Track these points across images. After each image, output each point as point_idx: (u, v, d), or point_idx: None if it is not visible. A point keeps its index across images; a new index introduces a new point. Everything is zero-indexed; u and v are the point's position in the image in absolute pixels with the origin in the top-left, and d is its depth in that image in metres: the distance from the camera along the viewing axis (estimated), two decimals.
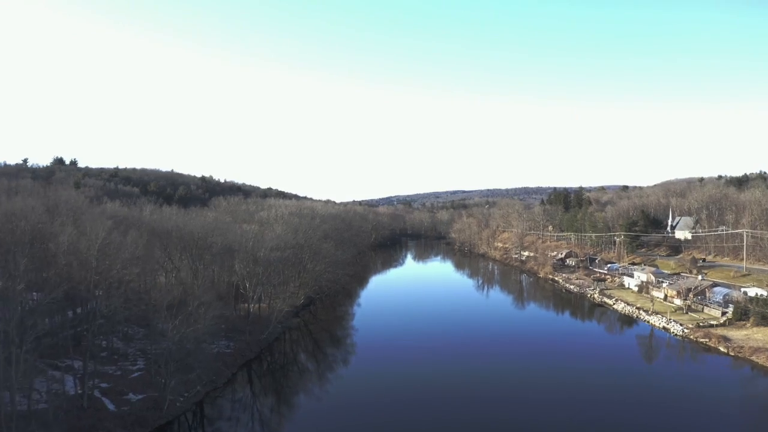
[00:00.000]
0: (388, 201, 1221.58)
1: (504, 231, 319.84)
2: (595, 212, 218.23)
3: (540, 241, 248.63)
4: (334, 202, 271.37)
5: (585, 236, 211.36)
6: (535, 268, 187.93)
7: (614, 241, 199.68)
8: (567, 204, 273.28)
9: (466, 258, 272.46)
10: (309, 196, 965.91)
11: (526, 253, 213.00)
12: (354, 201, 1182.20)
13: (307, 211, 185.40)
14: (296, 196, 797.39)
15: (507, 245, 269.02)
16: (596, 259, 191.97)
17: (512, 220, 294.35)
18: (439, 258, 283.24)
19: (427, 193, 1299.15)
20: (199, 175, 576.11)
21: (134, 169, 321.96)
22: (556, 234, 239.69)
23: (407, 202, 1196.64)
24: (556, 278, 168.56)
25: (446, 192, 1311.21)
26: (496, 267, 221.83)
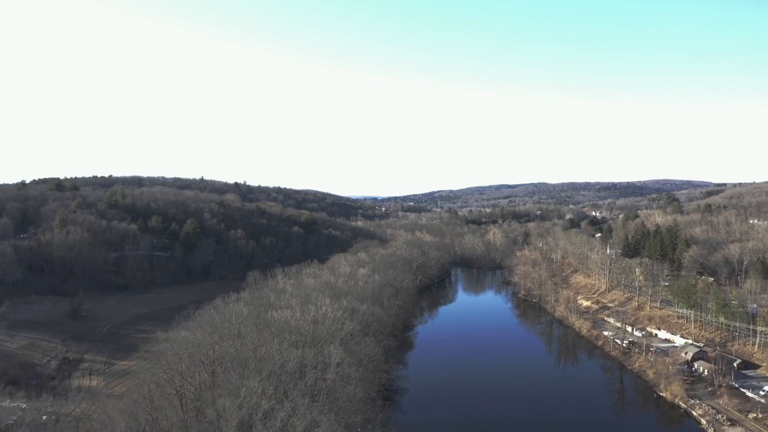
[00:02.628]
0: (431, 197, 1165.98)
1: (577, 271, 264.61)
2: (726, 290, 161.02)
3: (635, 304, 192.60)
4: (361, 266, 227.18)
5: (707, 316, 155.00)
6: (652, 375, 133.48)
7: (754, 330, 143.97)
8: (662, 245, 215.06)
9: (532, 314, 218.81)
10: (349, 195, 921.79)
11: (630, 339, 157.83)
12: (397, 197, 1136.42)
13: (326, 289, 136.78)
14: (336, 196, 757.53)
15: (590, 302, 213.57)
16: (734, 361, 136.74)
17: (591, 265, 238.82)
18: (498, 318, 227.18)
19: (471, 188, 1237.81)
20: (229, 181, 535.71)
21: (141, 193, 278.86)
22: (659, 300, 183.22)
23: (450, 197, 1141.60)
24: (695, 412, 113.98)
25: (490, 187, 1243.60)
26: (581, 351, 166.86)
